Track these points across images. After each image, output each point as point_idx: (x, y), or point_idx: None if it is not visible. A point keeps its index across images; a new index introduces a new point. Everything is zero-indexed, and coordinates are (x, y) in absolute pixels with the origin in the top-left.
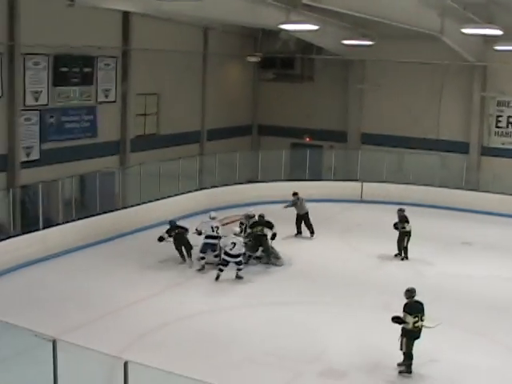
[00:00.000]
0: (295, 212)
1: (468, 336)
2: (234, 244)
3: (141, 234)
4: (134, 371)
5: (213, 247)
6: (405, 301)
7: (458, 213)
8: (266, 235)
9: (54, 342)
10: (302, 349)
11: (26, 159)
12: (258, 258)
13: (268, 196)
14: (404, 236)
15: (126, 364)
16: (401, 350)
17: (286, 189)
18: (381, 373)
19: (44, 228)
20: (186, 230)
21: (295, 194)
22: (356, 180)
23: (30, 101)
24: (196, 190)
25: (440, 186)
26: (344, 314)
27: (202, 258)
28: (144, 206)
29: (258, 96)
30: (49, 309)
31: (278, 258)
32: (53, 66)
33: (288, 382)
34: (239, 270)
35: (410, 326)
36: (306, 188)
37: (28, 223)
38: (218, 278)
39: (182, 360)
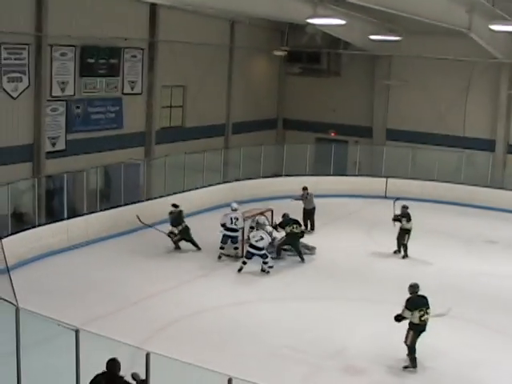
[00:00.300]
0: (302, 206)
1: (487, 333)
2: (262, 238)
3: (165, 226)
4: (155, 362)
5: (232, 239)
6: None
7: (482, 211)
8: (299, 233)
9: (77, 332)
10: (323, 344)
11: (51, 149)
12: (285, 250)
13: (292, 190)
14: (404, 233)
15: (147, 355)
16: (405, 342)
17: (310, 183)
18: (401, 369)
19: (68, 218)
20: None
21: (305, 188)
22: (380, 176)
23: (56, 91)
24: (220, 183)
25: (465, 184)
26: (366, 309)
27: (221, 248)
28: (168, 198)
29: (284, 90)
30: (71, 299)
31: (309, 248)
32: (80, 57)
33: (308, 377)
34: (265, 263)
35: (416, 320)
36: (330, 183)
37: (52, 213)
38: (240, 270)
39: (203, 352)
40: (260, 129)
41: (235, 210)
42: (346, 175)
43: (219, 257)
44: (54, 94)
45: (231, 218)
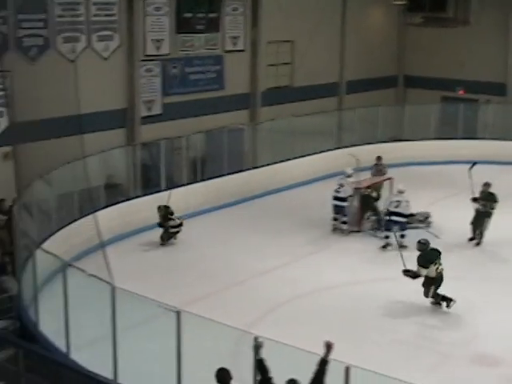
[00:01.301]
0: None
1: None
2: (399, 202)
3: (272, 197)
4: (264, 347)
5: (339, 209)
6: None
7: None
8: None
9: (178, 313)
10: (452, 331)
11: (146, 114)
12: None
13: (414, 157)
14: (483, 217)
15: (255, 340)
16: (427, 297)
17: (434, 148)
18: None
19: (166, 189)
20: None
21: (379, 158)
22: None
23: (150, 50)
24: (333, 149)
25: None
26: (499, 294)
27: (334, 220)
28: (275, 166)
29: (405, 43)
30: (171, 277)
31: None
32: (175, 12)
33: (436, 367)
34: (402, 236)
35: (433, 274)
36: (457, 148)
37: (149, 184)
38: (385, 246)
39: (317, 336)
40: (377, 88)
41: (349, 176)
42: (476, 138)
43: (333, 229)
44: (148, 53)
45: (338, 185)
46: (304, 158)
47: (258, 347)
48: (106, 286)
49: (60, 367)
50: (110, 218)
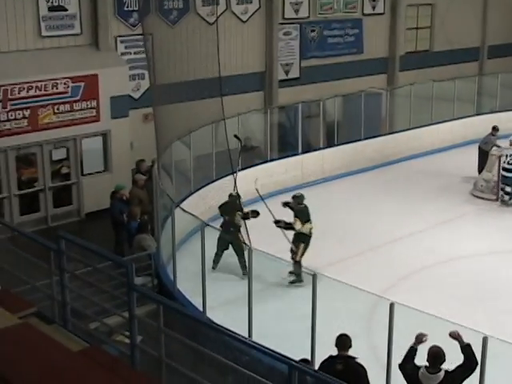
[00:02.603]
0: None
1: None
2: None
3: (409, 163)
4: (398, 314)
5: (507, 180)
6: None
7: None
8: None
9: (314, 276)
10: None
11: (284, 77)
12: None
13: None
14: None
15: (391, 305)
16: (294, 258)
17: None
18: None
19: (302, 153)
20: None
21: (495, 128)
22: None
23: (289, 13)
24: (473, 116)
25: None
26: None
27: (502, 191)
28: (413, 131)
29: None
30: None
31: None
32: None
33: None
34: None
35: (307, 231)
36: None
37: (285, 147)
38: None
39: (453, 305)
40: None
41: None
42: None
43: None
44: (286, 17)
45: (506, 155)
46: (442, 125)
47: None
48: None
49: (198, 324)
50: (246, 180)
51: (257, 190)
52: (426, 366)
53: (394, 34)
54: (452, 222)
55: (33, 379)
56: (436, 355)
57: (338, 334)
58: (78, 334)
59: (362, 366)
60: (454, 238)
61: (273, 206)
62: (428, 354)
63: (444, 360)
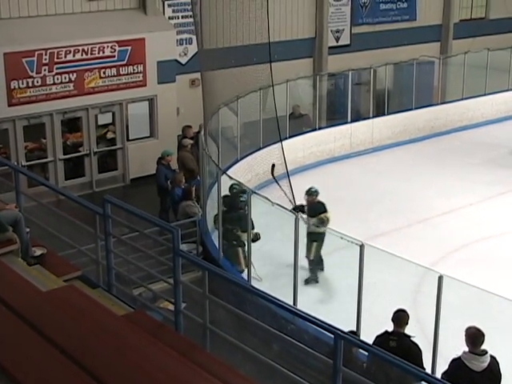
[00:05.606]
0: None
1: None
2: None
3: (461, 134)
4: (446, 287)
5: None
6: None
7: None
8: None
9: (362, 247)
10: None
11: (334, 44)
12: None
13: None
14: None
15: (440, 278)
16: (308, 257)
17: None
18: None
19: (352, 122)
20: None
21: None
22: None
23: None
24: None
25: None
26: None
27: None
28: (467, 101)
29: None
30: (353, 211)
31: None
32: None
33: None
34: None
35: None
36: None
37: (334, 116)
38: None
39: (501, 280)
40: None
41: None
42: None
43: None
44: None
45: None
46: (496, 95)
47: None
48: (289, 215)
49: (243, 291)
50: (294, 148)
51: (273, 176)
52: (468, 351)
53: (448, 1)
54: (504, 196)
55: (77, 340)
56: (476, 335)
57: (396, 309)
58: (122, 298)
59: (417, 346)
60: (506, 212)
61: (322, 176)
62: (468, 336)
63: (484, 340)
